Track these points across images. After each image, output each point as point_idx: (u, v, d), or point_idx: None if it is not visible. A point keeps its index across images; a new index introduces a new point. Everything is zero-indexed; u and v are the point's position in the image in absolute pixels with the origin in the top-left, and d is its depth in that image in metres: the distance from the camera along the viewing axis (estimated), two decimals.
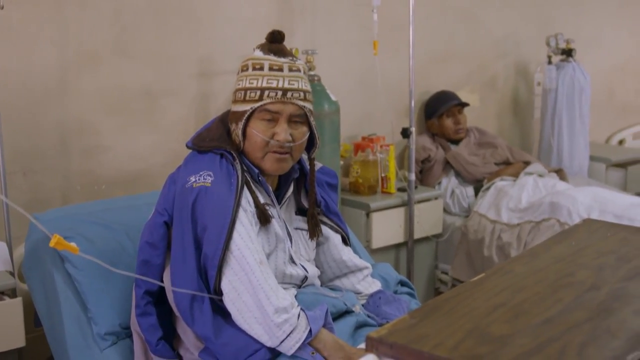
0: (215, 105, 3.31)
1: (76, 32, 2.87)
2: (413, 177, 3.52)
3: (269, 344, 1.83)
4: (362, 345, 1.92)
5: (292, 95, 1.93)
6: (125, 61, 3.02)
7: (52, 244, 1.41)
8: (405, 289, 2.37)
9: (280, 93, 1.92)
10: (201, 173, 1.91)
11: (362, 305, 2.15)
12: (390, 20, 3.74)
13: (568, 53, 4.56)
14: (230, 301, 1.85)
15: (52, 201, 2.86)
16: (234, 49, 3.34)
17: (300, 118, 1.98)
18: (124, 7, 2.99)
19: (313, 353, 1.85)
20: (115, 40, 2.98)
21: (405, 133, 3.50)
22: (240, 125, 1.96)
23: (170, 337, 2.01)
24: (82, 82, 2.91)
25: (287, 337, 1.82)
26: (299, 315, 1.85)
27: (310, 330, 1.85)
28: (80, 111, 2.92)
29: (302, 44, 3.47)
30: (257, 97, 1.93)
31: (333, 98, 3.34)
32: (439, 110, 4.04)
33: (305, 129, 2.00)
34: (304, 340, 1.84)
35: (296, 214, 2.12)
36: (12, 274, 2.41)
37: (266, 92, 1.92)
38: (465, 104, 4.07)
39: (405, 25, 3.46)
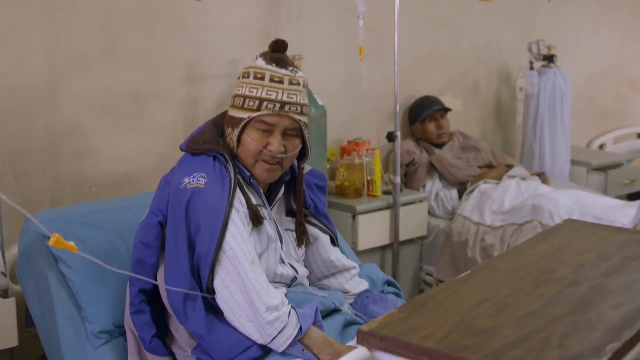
0: (203, 109, 3.34)
1: (66, 36, 2.90)
2: (398, 180, 3.57)
3: (260, 341, 1.87)
4: (351, 343, 1.97)
5: (289, 109, 1.97)
6: (114, 65, 3.05)
7: (51, 242, 1.44)
8: (391, 289, 2.42)
9: (278, 106, 1.96)
10: (195, 175, 1.95)
11: (350, 305, 2.19)
12: (375, 26, 3.80)
13: (549, 59, 4.63)
14: (222, 300, 1.88)
15: (43, 203, 2.89)
16: (222, 54, 3.38)
17: (295, 131, 2.02)
18: (113, 12, 3.02)
19: (303, 350, 1.89)
20: (104, 45, 3.02)
21: (391, 137, 3.55)
22: (236, 132, 2.00)
23: (163, 335, 2.04)
24: (72, 85, 2.94)
25: (278, 334, 1.86)
26: (289, 313, 1.90)
27: (300, 328, 1.89)
28: (70, 114, 2.94)
29: (289, 49, 3.48)
30: (255, 107, 1.96)
31: (320, 103, 3.39)
32: (422, 115, 4.09)
33: (298, 141, 2.05)
34: (295, 338, 1.88)
35: (286, 215, 2.17)
36: (4, 274, 2.44)
37: (265, 104, 1.96)
38: (447, 109, 4.13)
39: (390, 31, 3.52)
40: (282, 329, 1.86)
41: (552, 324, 1.31)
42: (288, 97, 1.97)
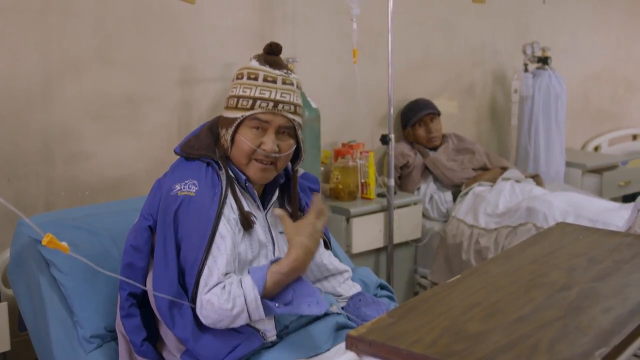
0: (198, 112, 3.34)
1: (60, 39, 2.89)
2: (392, 182, 3.57)
3: (249, 321, 1.86)
4: (340, 346, 1.97)
5: (282, 107, 1.98)
6: (108, 68, 3.05)
7: (44, 242, 1.45)
8: (384, 293, 2.42)
9: (271, 104, 1.97)
10: (186, 182, 1.95)
11: (342, 308, 2.19)
12: (369, 29, 3.80)
13: (544, 61, 4.64)
14: (199, 310, 1.87)
15: (36, 207, 2.88)
16: (216, 57, 3.38)
17: (289, 130, 2.03)
18: (107, 15, 3.01)
19: (277, 305, 1.86)
20: (98, 48, 3.01)
21: (385, 140, 3.55)
22: (230, 131, 2.00)
23: (154, 339, 2.04)
24: (66, 89, 2.93)
25: (248, 310, 1.82)
26: (239, 282, 1.84)
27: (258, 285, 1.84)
28: (63, 118, 2.94)
29: (283, 52, 3.48)
30: (248, 106, 1.98)
31: (313, 105, 3.38)
32: (412, 120, 4.10)
33: (292, 141, 2.05)
34: (260, 296, 1.83)
35: None
36: None
37: (258, 102, 1.97)
38: (436, 113, 4.12)
39: (384, 34, 3.52)
40: (246, 303, 1.82)
41: (541, 328, 1.31)
42: (281, 95, 1.99)
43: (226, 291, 1.84)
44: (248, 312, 1.84)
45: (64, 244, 1.50)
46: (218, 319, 1.85)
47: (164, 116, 3.25)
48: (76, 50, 2.95)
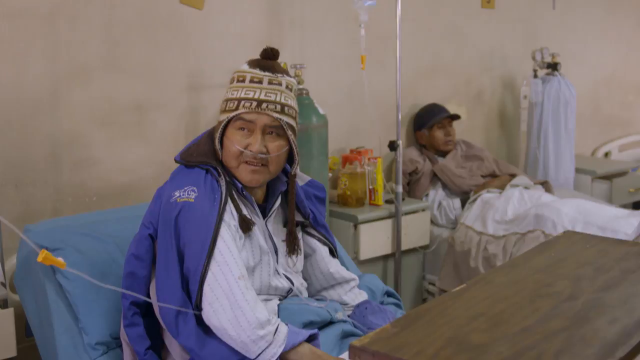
0: (205, 118, 3.34)
1: (67, 45, 2.90)
2: (400, 189, 3.56)
3: (247, 355, 1.87)
4: (346, 354, 1.96)
5: (267, 106, 1.96)
6: (115, 75, 3.06)
7: (39, 259, 1.41)
8: (391, 300, 2.41)
9: (255, 103, 1.96)
10: (186, 188, 1.94)
11: (349, 316, 2.18)
12: (377, 34, 3.80)
13: (553, 67, 4.62)
14: (208, 317, 1.87)
15: (44, 213, 2.89)
16: (224, 63, 3.38)
17: (277, 130, 2.00)
18: (114, 21, 3.02)
19: None
20: (105, 54, 3.02)
21: (393, 146, 3.54)
22: (218, 135, 2.01)
23: (158, 347, 2.03)
24: (73, 95, 2.94)
25: (262, 352, 1.84)
26: (276, 330, 1.87)
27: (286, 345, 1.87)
28: (71, 124, 2.95)
29: (291, 58, 3.52)
30: (234, 107, 1.97)
31: (321, 111, 3.38)
32: (431, 121, 4.09)
33: (282, 142, 2.02)
34: (280, 355, 1.85)
35: (283, 226, 2.15)
36: (3, 284, 2.44)
37: (242, 102, 1.96)
38: (456, 117, 4.12)
39: (392, 39, 3.52)
40: (266, 347, 1.84)
41: (546, 339, 1.30)
42: (266, 95, 1.97)
43: (259, 322, 1.84)
44: (258, 356, 1.84)
45: (60, 259, 1.47)
46: (228, 321, 1.83)
47: (171, 122, 3.25)
48: (84, 56, 2.96)
